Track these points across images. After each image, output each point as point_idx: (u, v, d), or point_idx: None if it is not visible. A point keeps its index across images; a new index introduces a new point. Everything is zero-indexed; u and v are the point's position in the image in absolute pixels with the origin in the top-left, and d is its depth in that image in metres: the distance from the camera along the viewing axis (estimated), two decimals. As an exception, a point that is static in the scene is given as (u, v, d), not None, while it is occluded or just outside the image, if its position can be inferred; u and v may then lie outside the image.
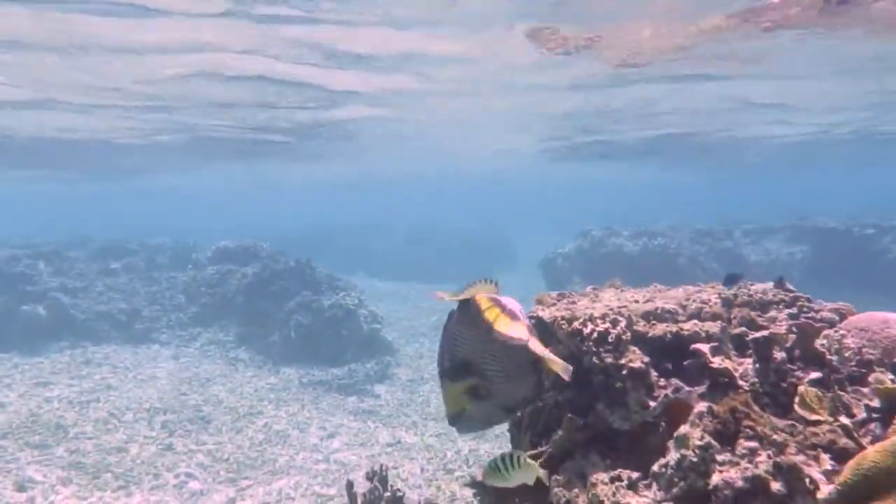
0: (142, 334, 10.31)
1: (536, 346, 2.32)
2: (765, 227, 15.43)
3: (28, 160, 15.30)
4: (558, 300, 3.57)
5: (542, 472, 2.55)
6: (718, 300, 3.22)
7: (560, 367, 2.27)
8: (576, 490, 2.73)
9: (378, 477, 3.28)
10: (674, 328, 2.96)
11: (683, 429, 2.48)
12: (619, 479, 2.55)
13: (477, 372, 2.37)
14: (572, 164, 19.88)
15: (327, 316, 10.03)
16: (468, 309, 2.39)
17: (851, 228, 14.14)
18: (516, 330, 2.31)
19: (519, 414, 3.37)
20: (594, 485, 2.56)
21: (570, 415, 2.95)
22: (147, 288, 11.04)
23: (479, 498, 3.24)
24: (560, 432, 2.98)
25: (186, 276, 11.43)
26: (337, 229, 24.08)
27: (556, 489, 2.83)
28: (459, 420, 2.51)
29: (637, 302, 3.28)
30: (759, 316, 3.12)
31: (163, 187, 26.91)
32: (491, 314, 2.32)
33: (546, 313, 3.24)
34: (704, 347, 2.85)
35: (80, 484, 5.69)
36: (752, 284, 3.41)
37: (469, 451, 6.84)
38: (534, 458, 3.10)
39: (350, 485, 3.19)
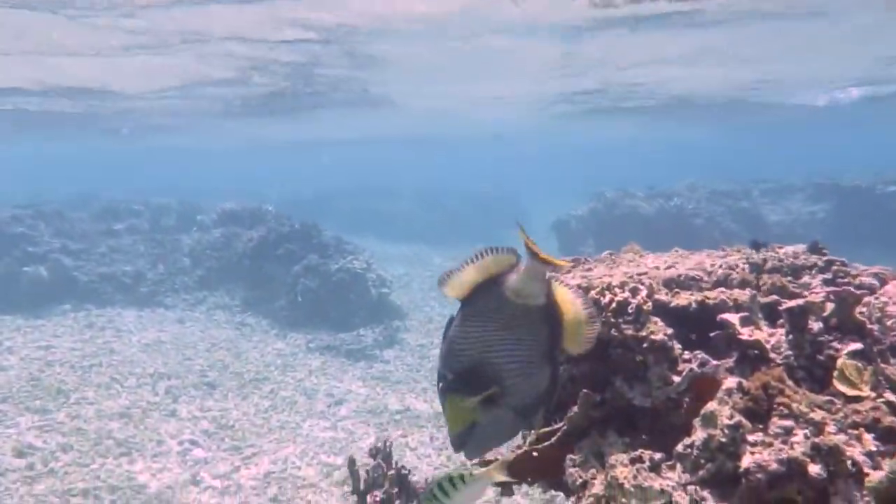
0: (146, 297, 10.18)
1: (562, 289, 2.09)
2: (784, 185, 14.99)
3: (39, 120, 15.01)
4: (573, 267, 3.34)
5: (502, 475, 2.28)
6: (746, 265, 2.97)
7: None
8: (592, 471, 2.53)
9: (382, 454, 3.09)
10: (699, 297, 2.72)
11: (711, 406, 2.27)
12: (640, 460, 2.34)
13: (485, 375, 2.05)
14: (587, 122, 19.40)
15: (335, 280, 9.85)
16: (476, 301, 2.08)
17: (874, 186, 13.73)
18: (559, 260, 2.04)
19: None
20: (613, 466, 2.36)
21: (585, 390, 2.75)
22: (151, 250, 10.88)
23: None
24: (575, 409, 2.77)
25: (191, 239, 11.26)
26: (345, 192, 23.80)
27: (571, 469, 2.63)
28: (468, 439, 2.16)
29: (658, 268, 3.03)
30: (791, 282, 2.86)
31: (168, 145, 26.58)
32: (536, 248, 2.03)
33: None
34: (733, 317, 2.61)
35: (80, 450, 5.58)
36: (780, 248, 3.16)
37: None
38: (547, 435, 2.91)
39: (352, 462, 3.00)
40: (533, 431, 3.09)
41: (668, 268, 3.02)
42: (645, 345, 2.55)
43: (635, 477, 2.27)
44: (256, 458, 5.60)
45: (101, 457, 5.54)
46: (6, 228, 10.14)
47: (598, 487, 2.43)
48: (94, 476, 5.21)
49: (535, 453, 2.91)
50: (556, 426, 2.90)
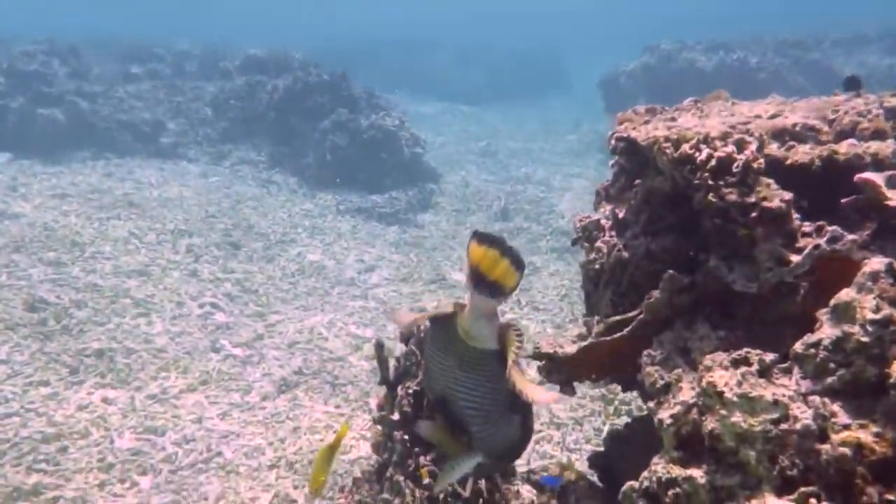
0: (168, 149, 9.62)
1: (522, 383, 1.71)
2: (858, 35, 13.46)
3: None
4: (649, 116, 2.65)
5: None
6: (880, 110, 2.24)
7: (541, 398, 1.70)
8: (678, 371, 1.98)
9: (415, 339, 2.57)
10: (824, 151, 2.04)
11: (847, 294, 1.66)
12: (745, 361, 1.75)
13: (452, 413, 1.83)
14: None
15: (366, 137, 9.17)
16: (434, 329, 1.80)
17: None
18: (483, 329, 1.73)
19: (598, 266, 2.61)
20: (709, 368, 1.78)
21: (671, 272, 2.16)
22: (172, 98, 10.18)
23: (545, 373, 2.54)
24: (656, 293, 2.20)
25: (214, 87, 10.50)
26: (380, 44, 22.44)
27: (649, 368, 2.08)
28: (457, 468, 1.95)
29: (759, 117, 2.32)
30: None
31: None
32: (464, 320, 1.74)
33: (640, 133, 2.33)
34: (876, 178, 1.95)
35: (95, 308, 5.24)
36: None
37: (520, 291, 6.23)
38: (618, 325, 2.36)
39: (380, 346, 2.50)
40: (597, 319, 2.57)
41: (773, 117, 2.31)
42: (754, 214, 1.92)
43: (740, 384, 1.71)
44: (281, 327, 5.22)
45: (118, 316, 5.20)
46: (19, 65, 9.46)
47: (687, 393, 1.88)
48: (109, 337, 4.88)
49: (601, 346, 2.38)
50: (629, 314, 2.35)
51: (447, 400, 1.81)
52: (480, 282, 1.59)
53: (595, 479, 2.48)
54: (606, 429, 3.79)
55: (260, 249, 6.85)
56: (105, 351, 4.65)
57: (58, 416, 3.84)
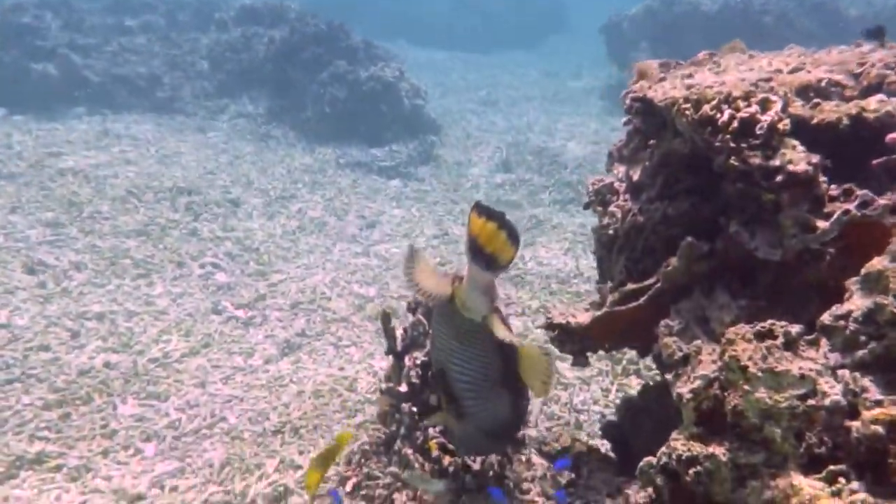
0: (164, 104, 9.41)
1: (499, 328, 1.74)
2: None
3: None
4: (664, 71, 2.52)
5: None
6: None
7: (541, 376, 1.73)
8: (697, 342, 1.91)
9: (424, 309, 2.49)
10: (852, 109, 1.92)
11: (879, 263, 1.58)
12: (770, 334, 1.68)
13: (450, 385, 1.82)
14: None
15: (365, 89, 8.96)
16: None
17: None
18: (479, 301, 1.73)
19: (611, 231, 2.52)
20: (732, 342, 1.70)
21: (690, 239, 2.07)
22: (167, 51, 9.90)
23: (557, 343, 2.47)
24: (674, 261, 2.12)
25: (209, 39, 10.22)
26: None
27: (666, 338, 2.01)
28: (452, 441, 2.06)
29: (780, 72, 2.19)
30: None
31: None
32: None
33: (657, 93, 2.21)
34: None
35: (95, 269, 5.16)
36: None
37: (523, 245, 6.13)
38: (634, 293, 2.29)
39: (387, 317, 2.42)
40: (610, 285, 2.49)
41: (795, 71, 2.18)
42: (779, 178, 1.82)
43: (765, 357, 1.63)
44: (282, 286, 5.15)
45: (118, 277, 5.13)
46: (10, 17, 9.18)
47: (708, 366, 1.81)
48: (110, 299, 4.81)
49: (616, 315, 2.31)
50: (646, 282, 2.26)
51: (445, 371, 1.80)
52: (478, 253, 1.62)
53: (608, 450, 2.43)
54: (614, 389, 3.75)
55: (260, 206, 6.75)
56: (106, 314, 4.60)
57: (59, 381, 3.80)
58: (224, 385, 3.83)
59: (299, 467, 3.10)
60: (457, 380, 1.78)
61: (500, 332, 1.71)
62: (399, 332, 2.51)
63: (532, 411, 3.45)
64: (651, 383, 2.59)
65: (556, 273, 5.65)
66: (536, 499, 2.07)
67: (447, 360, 1.78)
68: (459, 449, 2.13)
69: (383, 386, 2.41)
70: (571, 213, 7.28)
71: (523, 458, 2.35)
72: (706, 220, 2.24)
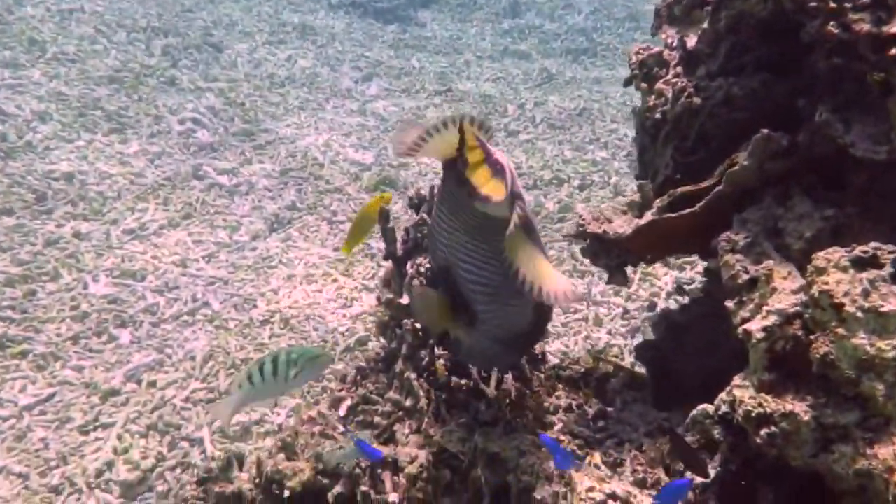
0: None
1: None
2: None
3: None
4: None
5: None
6: None
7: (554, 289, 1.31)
8: (768, 264, 1.54)
9: (428, 206, 2.09)
10: None
11: None
12: (872, 261, 1.31)
13: (457, 288, 1.48)
14: None
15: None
16: (445, 180, 1.40)
17: None
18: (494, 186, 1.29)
19: (658, 114, 2.10)
20: (822, 270, 1.33)
21: (765, 130, 1.66)
22: None
23: (590, 255, 2.09)
24: (743, 158, 1.71)
25: None
26: None
27: (728, 256, 1.63)
28: (458, 352, 1.68)
29: None
30: None
31: None
32: (473, 156, 1.30)
33: None
34: None
35: (63, 122, 4.66)
36: None
37: (534, 106, 5.63)
38: (688, 197, 1.89)
39: (385, 215, 2.02)
40: (649, 183, 2.09)
41: None
42: (894, 50, 1.41)
43: (867, 293, 1.27)
44: (271, 149, 4.68)
45: (89, 131, 4.64)
46: None
47: (785, 298, 1.44)
48: (79, 156, 4.37)
49: (664, 224, 1.91)
50: (702, 183, 1.86)
51: (450, 271, 1.46)
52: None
53: (643, 373, 2.12)
54: (637, 278, 3.41)
55: (245, 51, 6.11)
56: (75, 174, 4.16)
57: (23, 253, 3.44)
58: (207, 264, 3.48)
59: (290, 363, 2.82)
60: (467, 281, 1.44)
61: (528, 270, 1.31)
62: (399, 234, 2.10)
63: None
64: (696, 298, 2.24)
65: (569, 138, 5.19)
66: (561, 437, 1.77)
67: (456, 259, 1.43)
68: (464, 360, 1.78)
69: (383, 297, 2.05)
70: (586, 66, 6.71)
71: (542, 375, 2.05)
72: (781, 103, 1.82)
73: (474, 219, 1.37)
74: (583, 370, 2.08)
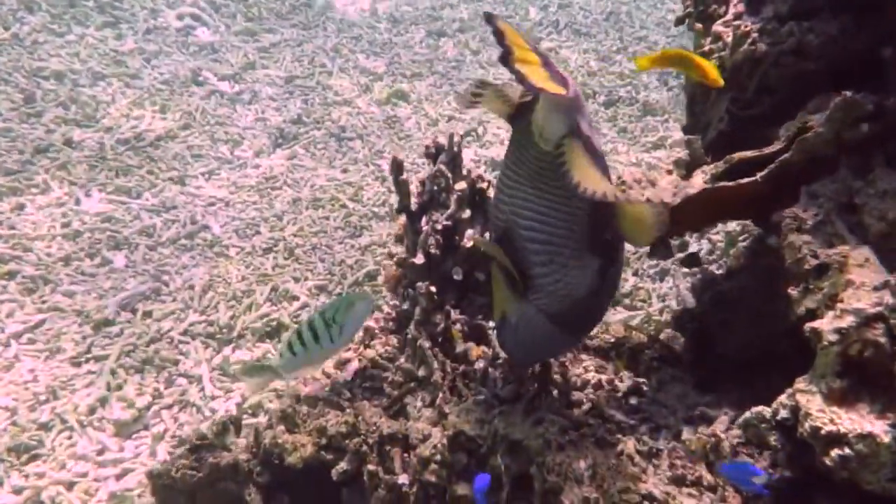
0: None
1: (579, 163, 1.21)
2: None
3: None
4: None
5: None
6: None
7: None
8: (843, 248, 1.35)
9: (448, 154, 1.87)
10: None
11: None
12: None
13: (513, 251, 1.33)
14: None
15: None
16: (516, 128, 1.31)
17: None
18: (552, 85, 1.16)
19: (714, 60, 1.88)
20: None
21: (848, 94, 1.44)
22: None
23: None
24: (818, 124, 1.50)
25: None
26: None
27: (793, 237, 1.44)
28: (504, 336, 1.50)
29: None
30: None
31: None
32: (522, 53, 1.15)
33: None
34: None
35: (51, 12, 4.34)
36: None
37: (558, 9, 5.22)
38: (747, 165, 1.68)
39: (398, 166, 1.81)
40: (699, 139, 1.86)
41: None
42: None
43: None
44: (276, 52, 4.35)
45: (80, 25, 4.32)
46: None
47: (865, 298, 1.26)
48: (71, 53, 4.08)
49: (718, 194, 1.69)
50: (766, 149, 1.63)
51: (510, 233, 1.33)
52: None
53: (680, 347, 1.94)
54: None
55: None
56: (66, 74, 3.88)
57: (10, 162, 3.22)
58: (206, 182, 3.26)
59: (295, 298, 2.66)
60: (526, 240, 1.31)
61: (579, 172, 1.18)
62: (414, 187, 1.88)
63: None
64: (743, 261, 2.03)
65: (596, 46, 4.81)
66: (591, 420, 1.61)
67: (514, 217, 1.31)
68: (508, 348, 1.57)
69: (397, 257, 1.85)
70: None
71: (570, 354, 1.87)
72: (860, 54, 1.59)
73: (538, 161, 1.25)
74: (612, 340, 1.91)
